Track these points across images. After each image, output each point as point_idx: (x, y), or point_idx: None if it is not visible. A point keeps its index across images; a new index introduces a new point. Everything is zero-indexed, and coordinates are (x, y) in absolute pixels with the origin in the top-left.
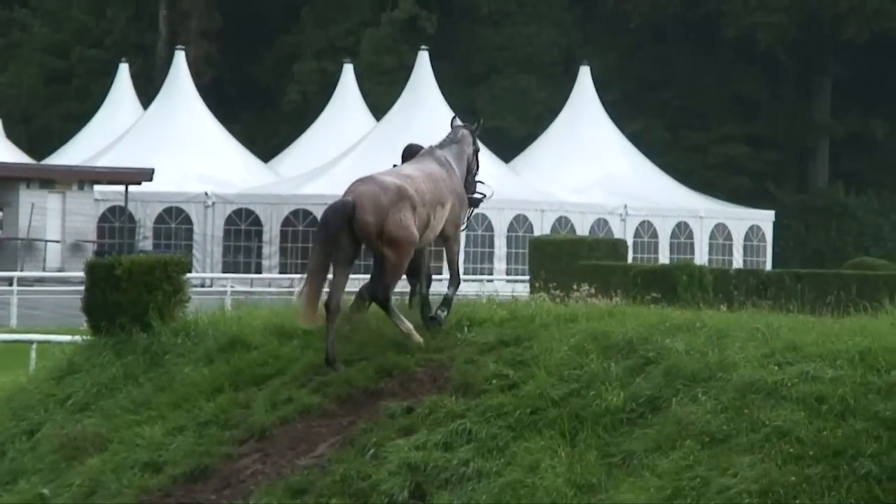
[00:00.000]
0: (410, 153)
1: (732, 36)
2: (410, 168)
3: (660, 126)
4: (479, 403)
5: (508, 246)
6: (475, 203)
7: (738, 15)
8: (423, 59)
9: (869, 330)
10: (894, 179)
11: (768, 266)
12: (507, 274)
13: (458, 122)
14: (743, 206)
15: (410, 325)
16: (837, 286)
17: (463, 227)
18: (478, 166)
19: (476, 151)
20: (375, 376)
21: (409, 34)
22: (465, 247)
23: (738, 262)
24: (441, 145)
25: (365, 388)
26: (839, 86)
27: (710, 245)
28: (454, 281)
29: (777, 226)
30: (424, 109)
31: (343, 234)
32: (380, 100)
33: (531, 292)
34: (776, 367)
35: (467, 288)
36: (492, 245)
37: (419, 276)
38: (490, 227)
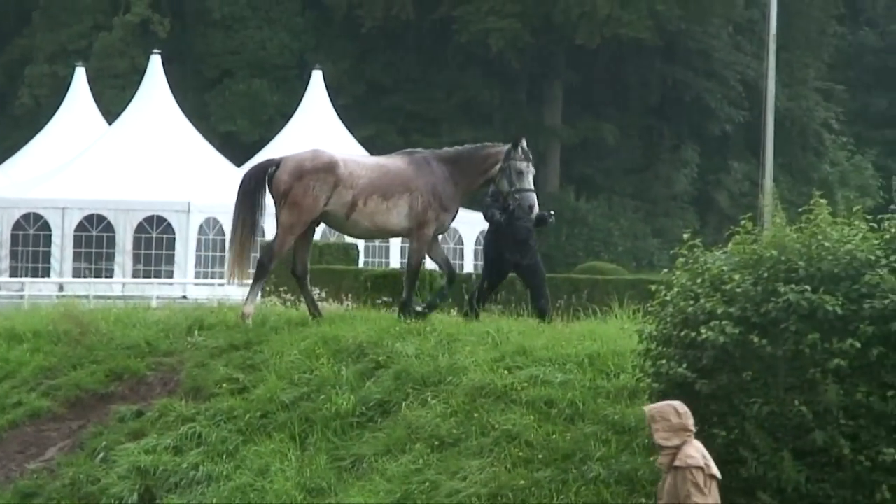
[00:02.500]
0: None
1: (465, 41)
2: (371, 157)
3: (392, 130)
4: (209, 407)
5: None
6: (542, 221)
7: (470, 20)
8: (156, 62)
9: (598, 334)
10: (624, 185)
11: None
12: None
13: (500, 145)
14: (475, 210)
15: (252, 310)
16: (568, 291)
17: (439, 231)
18: (511, 185)
19: (507, 169)
20: (106, 380)
21: (141, 38)
22: (196, 250)
23: (469, 266)
24: (440, 151)
25: (95, 392)
26: (570, 91)
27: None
28: (408, 280)
29: None
30: (157, 113)
31: (262, 193)
32: (112, 104)
33: (262, 297)
34: (506, 372)
35: (198, 292)
36: (223, 249)
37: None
38: (221, 231)
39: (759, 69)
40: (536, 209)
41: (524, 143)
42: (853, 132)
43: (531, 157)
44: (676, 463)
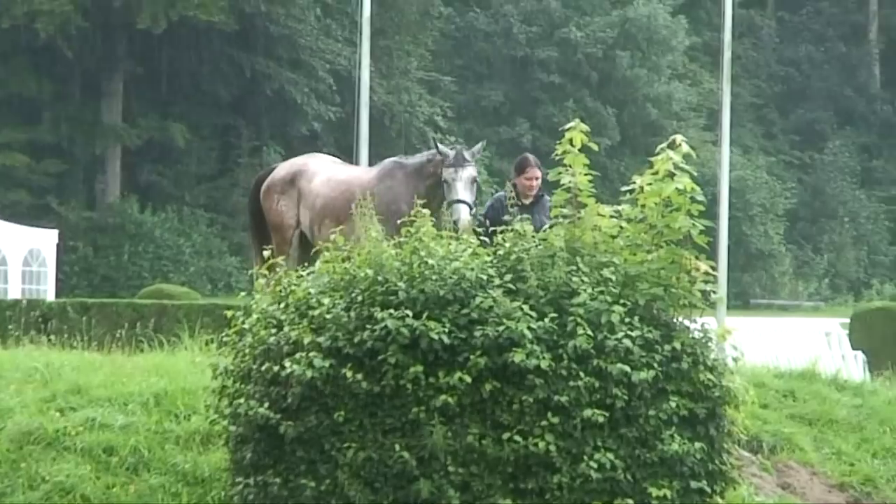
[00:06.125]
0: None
1: (9, 27)
2: (346, 168)
3: None
4: None
5: None
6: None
7: (13, 3)
8: None
9: (166, 369)
10: (197, 194)
11: (51, 295)
12: None
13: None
14: (22, 224)
15: None
16: (131, 318)
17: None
18: (444, 196)
19: (436, 177)
20: None
21: None
22: None
23: (15, 291)
24: (412, 160)
25: None
26: (133, 84)
27: None
28: None
29: (62, 248)
30: None
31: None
32: None
33: None
34: (58, 414)
35: None
36: None
37: None
38: None
39: (352, 58)
40: (462, 221)
41: (459, 148)
42: (464, 130)
43: (464, 158)
44: None
